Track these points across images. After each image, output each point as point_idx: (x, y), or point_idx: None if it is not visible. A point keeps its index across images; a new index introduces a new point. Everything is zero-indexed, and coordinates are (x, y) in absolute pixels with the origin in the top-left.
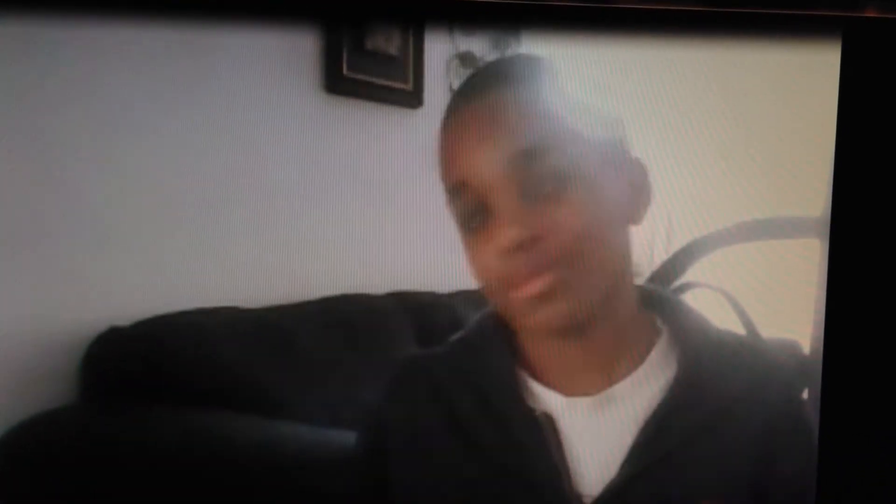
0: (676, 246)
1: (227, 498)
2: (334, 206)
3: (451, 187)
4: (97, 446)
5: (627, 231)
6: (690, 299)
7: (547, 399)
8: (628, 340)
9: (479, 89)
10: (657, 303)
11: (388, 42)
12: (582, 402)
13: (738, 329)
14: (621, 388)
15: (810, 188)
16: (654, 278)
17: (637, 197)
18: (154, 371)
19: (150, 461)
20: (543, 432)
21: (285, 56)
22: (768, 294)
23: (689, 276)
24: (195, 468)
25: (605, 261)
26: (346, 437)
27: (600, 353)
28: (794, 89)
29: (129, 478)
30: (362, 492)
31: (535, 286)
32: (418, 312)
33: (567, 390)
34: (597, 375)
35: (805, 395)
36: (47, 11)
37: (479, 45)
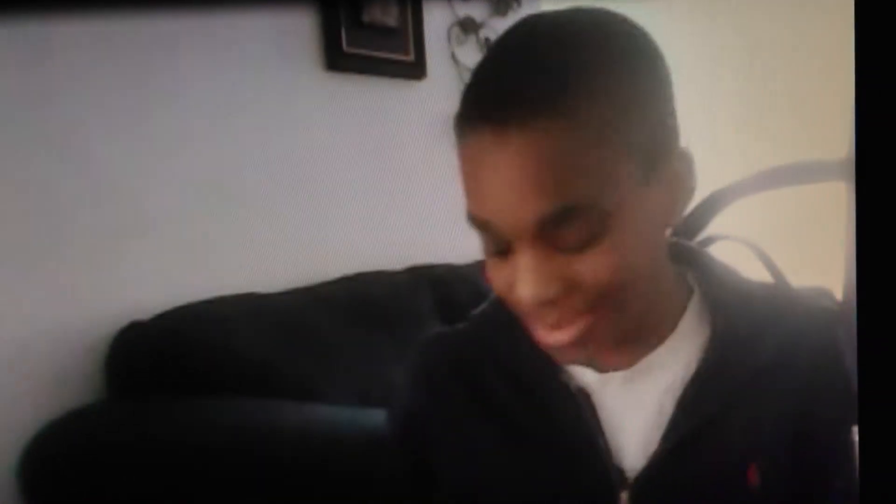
0: (697, 198)
1: (262, 482)
2: (344, 184)
3: (472, 217)
4: (128, 441)
5: (665, 230)
6: (716, 253)
7: (580, 375)
8: (663, 305)
9: (502, 99)
10: (687, 257)
11: (385, 13)
12: (616, 376)
13: (768, 280)
14: (656, 356)
15: (833, 129)
16: (676, 233)
17: (678, 197)
18: (179, 362)
19: (182, 452)
20: (580, 408)
21: (283, 39)
22: (796, 242)
23: (712, 229)
24: (229, 456)
25: (639, 290)
26: (378, 416)
27: (635, 325)
28: (810, 28)
29: (162, 469)
30: (399, 473)
31: (564, 335)
32: (437, 285)
33: (600, 367)
34: (631, 348)
35: (841, 341)
36: (63, 8)
37: (480, 10)
